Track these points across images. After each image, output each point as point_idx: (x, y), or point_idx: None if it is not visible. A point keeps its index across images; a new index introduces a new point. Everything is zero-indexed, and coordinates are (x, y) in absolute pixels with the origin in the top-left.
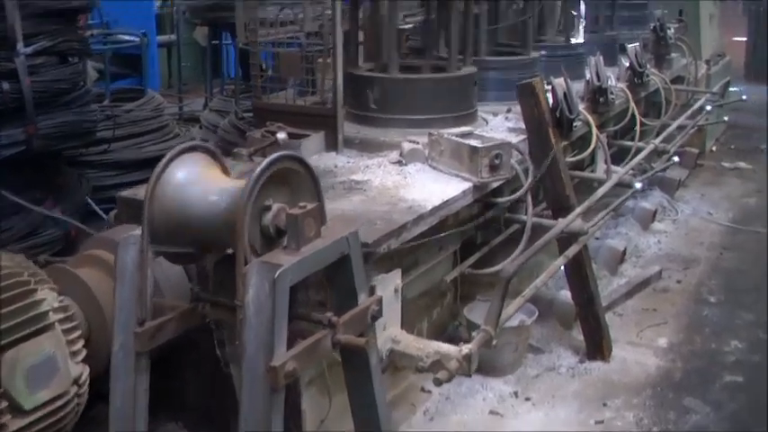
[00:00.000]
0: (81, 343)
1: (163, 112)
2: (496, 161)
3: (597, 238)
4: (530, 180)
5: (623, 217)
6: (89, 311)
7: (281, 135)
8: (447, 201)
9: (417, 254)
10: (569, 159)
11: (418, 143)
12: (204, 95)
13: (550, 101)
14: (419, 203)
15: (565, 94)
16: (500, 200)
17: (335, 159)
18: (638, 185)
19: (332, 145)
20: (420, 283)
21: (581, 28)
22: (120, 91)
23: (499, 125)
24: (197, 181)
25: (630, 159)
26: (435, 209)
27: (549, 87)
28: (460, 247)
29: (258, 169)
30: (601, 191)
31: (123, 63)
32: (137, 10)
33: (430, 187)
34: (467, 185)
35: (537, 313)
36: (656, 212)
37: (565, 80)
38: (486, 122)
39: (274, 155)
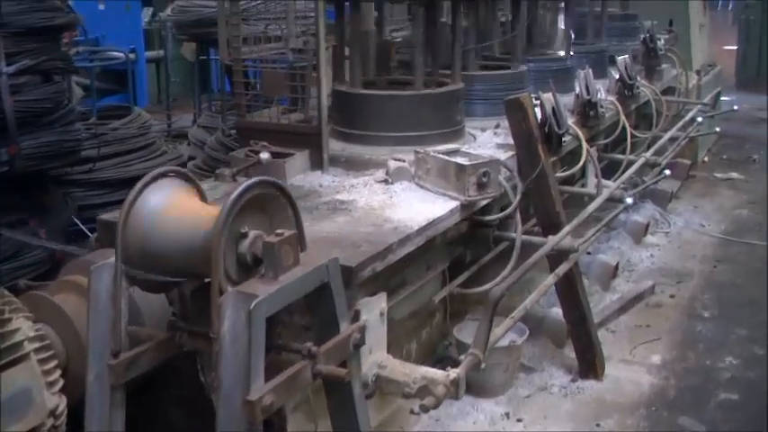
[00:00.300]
0: (58, 373)
1: (149, 129)
2: (484, 179)
3: (589, 253)
4: (518, 197)
5: (615, 231)
6: (67, 339)
7: (264, 155)
8: (433, 220)
9: (405, 274)
10: (559, 174)
11: (405, 161)
12: (193, 111)
13: (539, 116)
14: (405, 224)
15: (553, 108)
16: (488, 218)
17: (321, 178)
18: (629, 200)
19: (317, 164)
20: (408, 303)
21: (569, 40)
22: (107, 108)
23: (487, 141)
24: (171, 207)
25: (621, 173)
26: (422, 229)
27: (538, 102)
28: (450, 265)
29: (232, 196)
30: (591, 207)
31: (112, 79)
32: (125, 26)
33: (416, 206)
34: (454, 204)
35: (528, 332)
36: (648, 226)
37: (553, 94)
38: (474, 138)
39: (249, 181)
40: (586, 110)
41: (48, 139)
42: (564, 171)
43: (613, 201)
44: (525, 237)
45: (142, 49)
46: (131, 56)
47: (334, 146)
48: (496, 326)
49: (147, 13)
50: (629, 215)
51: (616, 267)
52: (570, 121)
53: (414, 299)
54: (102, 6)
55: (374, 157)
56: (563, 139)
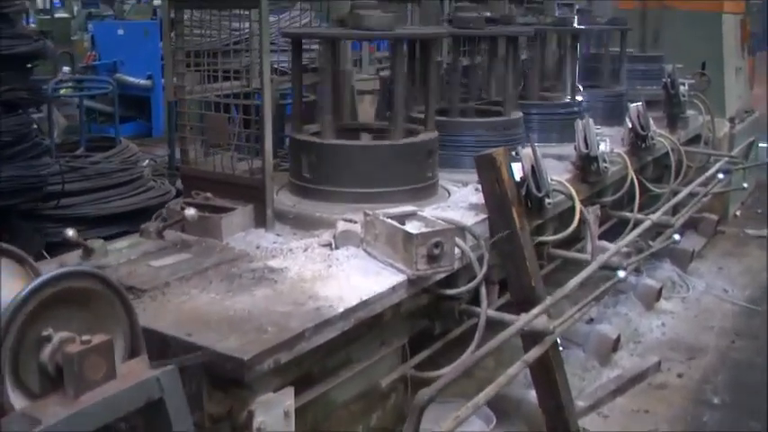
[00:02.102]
0: None
1: (135, 163)
2: (436, 251)
3: (592, 319)
4: (483, 269)
5: (624, 294)
6: None
7: (190, 212)
8: (367, 300)
9: (349, 350)
10: (548, 238)
11: (356, 222)
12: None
13: (520, 173)
14: (331, 303)
15: (533, 167)
16: (449, 291)
17: (262, 239)
18: (621, 274)
19: (262, 221)
20: (354, 384)
21: (574, 83)
22: (96, 139)
23: (462, 199)
24: None
25: (625, 236)
26: (349, 311)
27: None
28: (417, 337)
29: (25, 291)
30: (576, 279)
31: (130, 105)
32: (143, 52)
33: (354, 280)
34: (400, 279)
35: (495, 420)
36: (661, 290)
37: (533, 150)
38: (449, 195)
39: (59, 270)
40: (587, 164)
41: (7, 173)
42: (553, 234)
43: (610, 269)
44: (495, 313)
45: (159, 76)
46: (148, 82)
47: (288, 201)
48: (458, 410)
49: None
50: (641, 278)
51: (617, 340)
52: (564, 177)
53: (361, 379)
54: (121, 31)
55: (326, 215)
56: (547, 201)
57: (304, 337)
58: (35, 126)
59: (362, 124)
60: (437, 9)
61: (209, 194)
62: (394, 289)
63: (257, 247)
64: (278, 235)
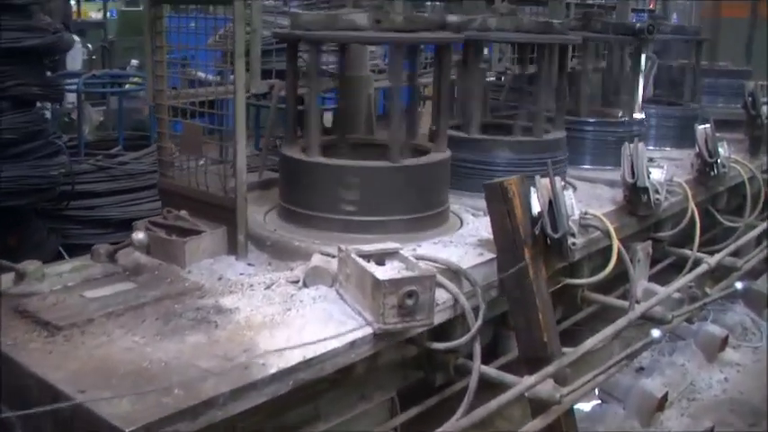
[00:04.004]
0: None
1: None
2: (409, 301)
3: (642, 368)
4: (478, 322)
5: (683, 341)
6: None
7: (138, 235)
8: (311, 360)
9: (317, 404)
10: (580, 281)
11: (334, 257)
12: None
13: (537, 207)
14: (267, 360)
15: (551, 201)
16: (437, 345)
17: (229, 268)
18: (656, 334)
19: (234, 246)
20: None
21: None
22: (136, 138)
23: (473, 232)
24: None
25: (678, 280)
26: (284, 373)
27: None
28: (415, 386)
29: None
30: (598, 336)
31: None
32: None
33: (309, 331)
34: (364, 332)
35: None
36: (727, 338)
37: (551, 182)
38: (460, 225)
39: None
40: (635, 195)
41: (13, 173)
42: (586, 276)
43: (653, 321)
44: (495, 372)
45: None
46: (218, 78)
47: (273, 224)
48: None
49: None
50: (702, 324)
51: (664, 398)
52: (612, 207)
53: None
54: (193, 24)
55: (304, 245)
56: (571, 241)
57: (216, 404)
58: (47, 122)
59: (376, 140)
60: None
61: (183, 213)
62: (353, 345)
63: (219, 279)
64: (250, 264)
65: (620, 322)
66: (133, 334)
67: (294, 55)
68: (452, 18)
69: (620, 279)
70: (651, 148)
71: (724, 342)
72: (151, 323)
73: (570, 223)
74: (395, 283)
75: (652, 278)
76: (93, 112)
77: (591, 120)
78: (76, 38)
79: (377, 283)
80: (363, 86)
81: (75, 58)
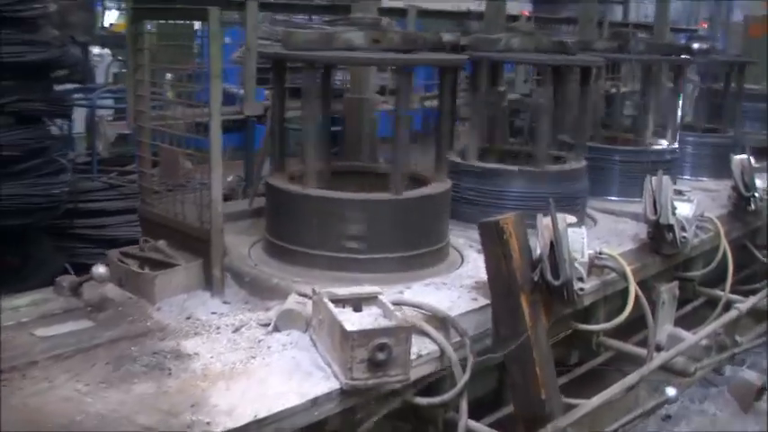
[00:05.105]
0: None
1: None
2: (380, 355)
3: (669, 416)
4: (465, 376)
5: (715, 388)
6: None
7: (99, 270)
8: (263, 419)
9: None
10: (593, 327)
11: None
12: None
13: (539, 249)
14: (214, 419)
15: (552, 243)
16: (420, 400)
17: (201, 306)
18: (671, 393)
19: (210, 282)
20: None
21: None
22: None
23: (472, 272)
24: None
25: (709, 323)
26: None
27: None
28: None
29: None
30: (606, 393)
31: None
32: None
33: (270, 384)
34: (330, 387)
35: None
36: (764, 387)
37: (552, 220)
38: (461, 263)
39: None
40: (658, 233)
41: (9, 192)
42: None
43: (673, 373)
44: (487, 430)
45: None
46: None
47: (255, 259)
48: None
49: None
50: (738, 369)
51: None
52: (634, 245)
53: None
54: (228, 39)
55: (283, 284)
56: (578, 288)
57: None
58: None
59: (370, 168)
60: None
61: (161, 243)
62: (315, 403)
63: (187, 318)
64: (225, 303)
65: (632, 378)
66: (78, 380)
67: (281, 76)
68: (448, 37)
69: (643, 321)
70: (687, 178)
71: (761, 391)
72: (100, 368)
73: (577, 266)
74: (365, 335)
75: (682, 320)
76: (108, 128)
77: (618, 147)
78: (108, 51)
79: (345, 334)
80: (364, 109)
81: (106, 72)
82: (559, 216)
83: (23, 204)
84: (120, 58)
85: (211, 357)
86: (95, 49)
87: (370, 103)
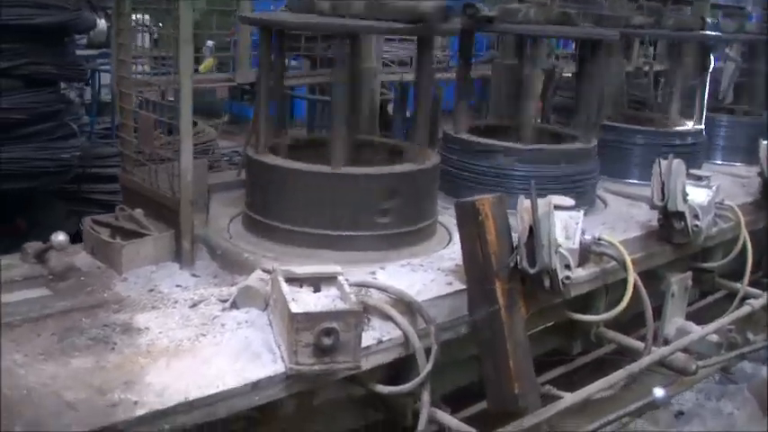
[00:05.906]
0: None
1: (207, 152)
2: (327, 340)
3: (681, 413)
4: (429, 365)
5: (734, 385)
6: None
7: (59, 237)
8: (194, 401)
9: None
10: (590, 318)
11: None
12: None
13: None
14: (143, 399)
15: (530, 228)
16: (381, 388)
17: (166, 279)
18: (659, 394)
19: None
20: None
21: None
22: None
23: (454, 254)
24: None
25: (722, 318)
26: (156, 415)
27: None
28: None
29: None
30: (586, 391)
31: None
32: None
33: (214, 365)
34: (273, 370)
35: None
36: None
37: (532, 204)
38: (447, 243)
39: None
40: (669, 221)
41: (13, 155)
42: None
43: (673, 370)
44: (456, 422)
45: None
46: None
47: (231, 232)
48: None
49: None
50: (758, 365)
51: None
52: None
53: None
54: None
55: (252, 259)
56: (565, 275)
57: None
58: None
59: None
60: None
61: (138, 212)
62: (257, 386)
63: (150, 291)
64: (194, 275)
65: (620, 373)
66: (17, 352)
67: (268, 44)
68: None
69: (655, 312)
70: (719, 162)
71: None
72: (44, 339)
73: (564, 253)
74: (309, 318)
75: (699, 313)
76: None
77: (639, 128)
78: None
79: (290, 315)
80: (364, 79)
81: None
82: (549, 198)
83: (28, 168)
84: (159, 23)
85: (160, 333)
86: None
87: (369, 72)
